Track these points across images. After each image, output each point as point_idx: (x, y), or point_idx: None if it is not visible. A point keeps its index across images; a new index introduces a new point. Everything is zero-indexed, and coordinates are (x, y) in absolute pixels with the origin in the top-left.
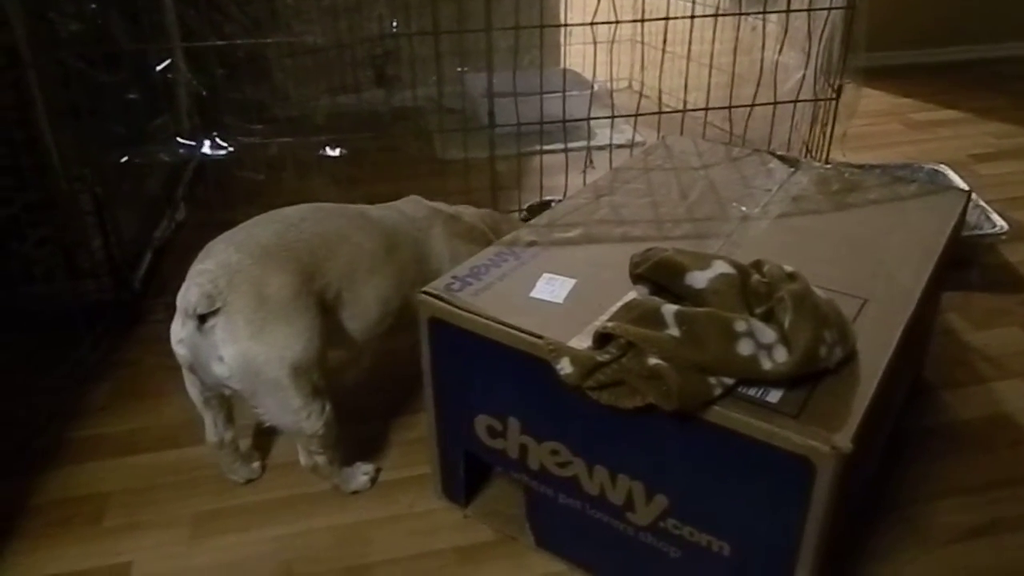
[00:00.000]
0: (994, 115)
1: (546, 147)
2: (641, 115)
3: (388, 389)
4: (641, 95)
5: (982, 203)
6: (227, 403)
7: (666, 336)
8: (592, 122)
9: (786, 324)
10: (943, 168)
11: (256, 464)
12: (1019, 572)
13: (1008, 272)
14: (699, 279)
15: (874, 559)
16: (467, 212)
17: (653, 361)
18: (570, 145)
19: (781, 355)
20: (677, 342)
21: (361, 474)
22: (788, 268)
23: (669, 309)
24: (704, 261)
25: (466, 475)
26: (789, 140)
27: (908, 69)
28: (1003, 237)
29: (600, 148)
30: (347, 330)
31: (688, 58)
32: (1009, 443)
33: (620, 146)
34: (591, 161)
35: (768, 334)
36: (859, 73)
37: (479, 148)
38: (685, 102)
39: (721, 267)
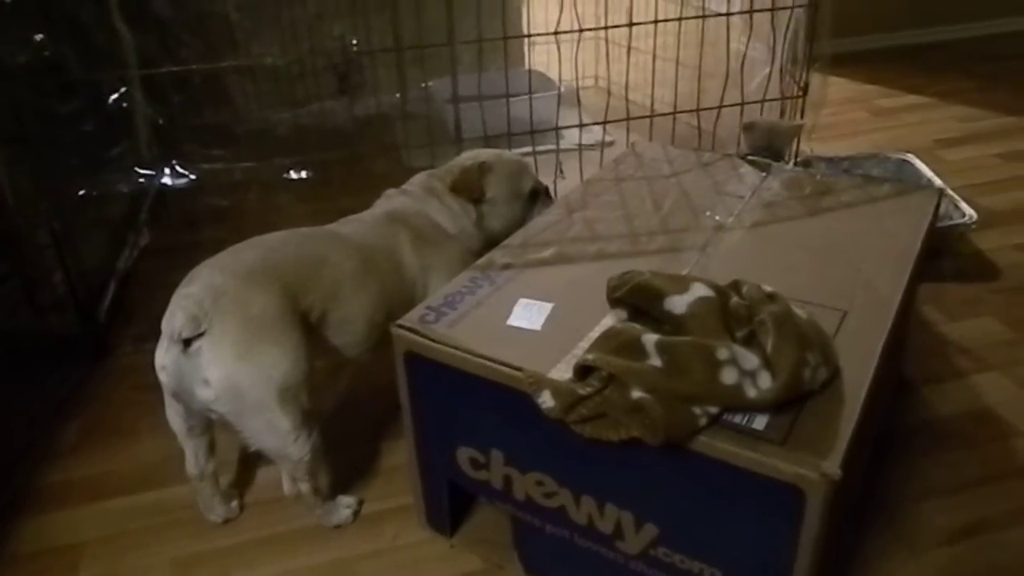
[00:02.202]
0: (958, 98)
1: (514, 151)
2: (609, 122)
3: (366, 414)
4: (609, 93)
5: (950, 192)
6: (210, 432)
7: (648, 367)
8: (562, 123)
9: (768, 348)
10: (910, 157)
11: (234, 503)
12: (1007, 571)
13: (979, 260)
14: (678, 304)
15: (864, 566)
16: (412, 194)
17: (636, 394)
18: (539, 148)
19: (765, 381)
20: (660, 373)
21: (343, 507)
22: (767, 288)
23: (650, 339)
24: (682, 284)
25: (450, 504)
26: None
27: (872, 54)
28: (973, 226)
29: (569, 150)
30: (336, 347)
31: (654, 55)
32: (991, 438)
33: (590, 147)
34: (561, 171)
35: (751, 360)
36: (825, 64)
37: (447, 155)
38: (652, 101)
39: (700, 290)
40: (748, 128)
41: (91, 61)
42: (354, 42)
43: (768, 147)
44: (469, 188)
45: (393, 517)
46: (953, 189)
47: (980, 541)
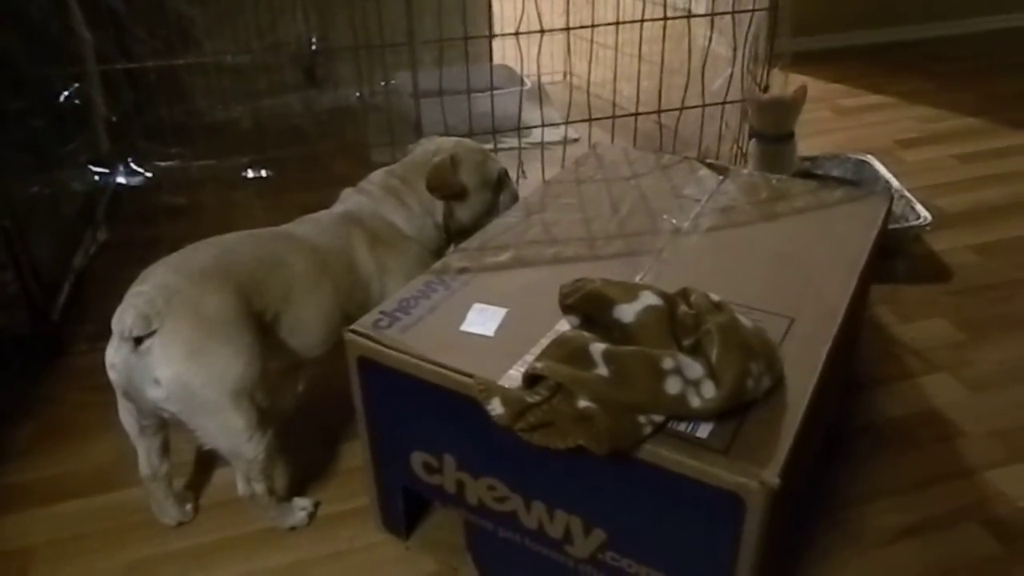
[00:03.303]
0: (919, 99)
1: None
2: (572, 122)
3: (322, 415)
4: (572, 89)
5: (907, 194)
6: (163, 432)
7: (595, 376)
8: (526, 119)
9: (713, 357)
10: (869, 158)
11: (189, 506)
12: (948, 571)
13: (933, 262)
14: (627, 312)
15: (809, 565)
16: (369, 193)
17: (583, 403)
18: (503, 144)
19: (709, 390)
20: (606, 382)
21: (298, 509)
22: (714, 297)
23: (597, 348)
24: (631, 293)
25: (405, 508)
26: (719, 139)
27: (837, 53)
28: (927, 228)
29: (533, 147)
30: (292, 347)
31: (616, 53)
32: (936, 439)
33: (553, 143)
34: (523, 171)
35: (696, 369)
36: (786, 63)
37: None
38: (615, 100)
39: (648, 299)
40: (760, 110)
41: (41, 56)
42: (313, 40)
43: (778, 125)
44: (447, 185)
45: (349, 519)
46: (910, 190)
47: (923, 540)
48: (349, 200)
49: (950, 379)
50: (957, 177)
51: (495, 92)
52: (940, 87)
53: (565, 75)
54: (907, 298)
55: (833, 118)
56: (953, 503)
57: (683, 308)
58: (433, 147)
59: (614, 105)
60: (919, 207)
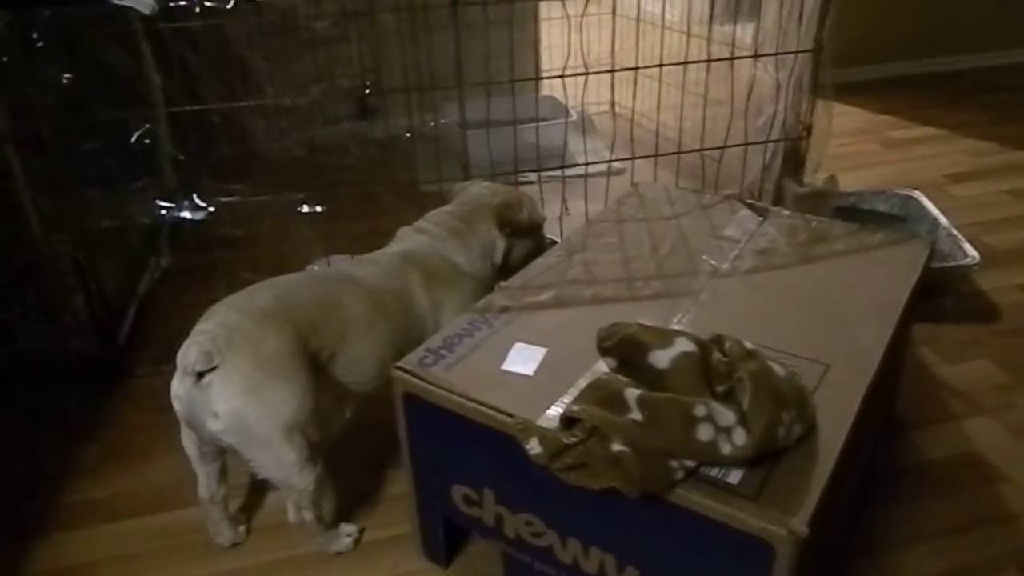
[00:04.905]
0: (971, 131)
1: (521, 176)
2: (614, 161)
3: (367, 441)
4: (615, 119)
5: (954, 231)
6: (222, 458)
7: (628, 421)
8: (572, 149)
9: (745, 405)
10: (917, 194)
11: (242, 528)
12: None
13: (980, 301)
14: (661, 358)
15: None
16: (431, 233)
17: (617, 447)
18: (546, 175)
19: (740, 438)
20: (639, 427)
21: (344, 535)
22: (748, 345)
23: (632, 393)
24: (667, 339)
25: (446, 537)
26: (762, 178)
27: (887, 83)
28: (975, 268)
29: (576, 176)
30: (345, 384)
31: (659, 92)
32: (978, 483)
33: (597, 174)
34: (567, 209)
35: (727, 416)
36: (829, 95)
37: (456, 178)
38: (657, 137)
39: (683, 345)
40: (797, 202)
41: (115, 100)
42: (368, 84)
43: (817, 212)
44: (515, 222)
45: (392, 546)
46: (959, 226)
47: None
48: (407, 239)
49: (993, 422)
50: (1008, 214)
51: (541, 124)
52: (992, 119)
53: (611, 105)
54: (952, 338)
55: (881, 151)
56: (993, 549)
57: (717, 355)
58: (488, 191)
59: (656, 144)
60: (967, 246)
